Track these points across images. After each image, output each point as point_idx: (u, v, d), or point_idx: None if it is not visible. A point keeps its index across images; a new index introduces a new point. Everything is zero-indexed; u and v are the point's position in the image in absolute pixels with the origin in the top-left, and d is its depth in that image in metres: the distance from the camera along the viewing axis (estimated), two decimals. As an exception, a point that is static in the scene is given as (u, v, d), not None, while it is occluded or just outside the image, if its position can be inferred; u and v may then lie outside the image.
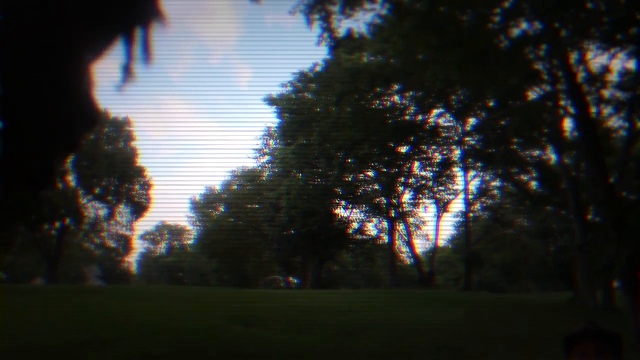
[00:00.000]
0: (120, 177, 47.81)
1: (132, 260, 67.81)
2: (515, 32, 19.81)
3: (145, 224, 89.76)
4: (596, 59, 25.14)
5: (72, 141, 1.58)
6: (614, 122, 28.44)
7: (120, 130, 48.35)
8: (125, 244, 58.60)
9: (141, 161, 49.95)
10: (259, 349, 11.05)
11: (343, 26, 22.62)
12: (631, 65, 24.47)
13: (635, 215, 18.54)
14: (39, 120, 1.48)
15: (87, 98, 1.57)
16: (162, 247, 75.52)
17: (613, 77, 26.17)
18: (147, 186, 50.77)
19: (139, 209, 51.27)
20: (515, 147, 31.94)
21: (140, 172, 49.69)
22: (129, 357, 9.73)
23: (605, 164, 18.13)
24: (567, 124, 26.82)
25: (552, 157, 30.98)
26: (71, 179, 45.38)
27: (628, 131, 24.84)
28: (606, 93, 26.33)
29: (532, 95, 24.68)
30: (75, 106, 1.50)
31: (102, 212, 51.39)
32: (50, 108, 1.50)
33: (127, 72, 1.79)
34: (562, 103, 23.61)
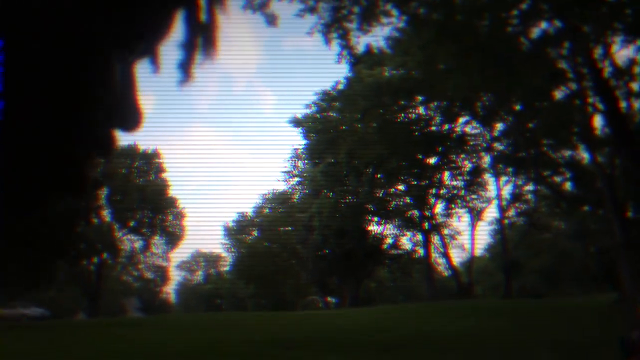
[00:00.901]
0: (153, 208, 48.47)
1: (170, 290, 68.42)
2: (535, 32, 19.62)
3: (181, 253, 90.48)
4: (621, 52, 24.63)
5: (105, 142, 1.49)
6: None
7: (150, 162, 49.11)
8: (162, 274, 59.18)
9: (172, 192, 50.68)
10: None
11: (361, 42, 22.66)
12: (658, 54, 23.95)
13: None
14: (67, 117, 1.39)
15: (129, 96, 1.46)
16: (198, 275, 76.05)
17: (640, 69, 25.67)
18: (179, 216, 51.39)
19: (173, 238, 51.84)
20: (545, 148, 31.43)
21: (172, 202, 50.34)
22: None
23: (640, 158, 17.71)
24: (597, 121, 26.34)
25: (585, 155, 30.41)
26: (105, 214, 46.11)
27: (661, 123, 24.29)
28: (635, 86, 25.80)
29: (558, 94, 24.32)
30: (113, 105, 1.40)
31: (138, 244, 52.07)
32: (81, 107, 1.40)
33: (187, 67, 1.74)
34: (590, 100, 23.21)
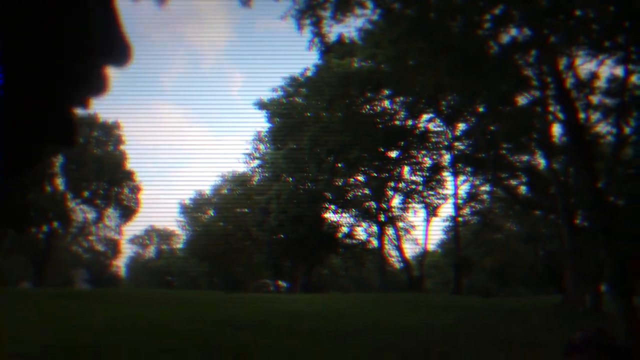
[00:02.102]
0: (109, 180, 47.61)
1: (121, 264, 67.49)
2: (505, 38, 19.97)
3: (134, 227, 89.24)
4: (584, 65, 25.31)
5: (100, 80, 1.41)
6: (602, 128, 28.71)
7: (110, 133, 48.18)
8: (113, 247, 58.28)
9: (130, 165, 49.83)
10: (251, 353, 11.04)
11: (334, 31, 22.72)
12: (618, 71, 24.75)
13: (623, 220, 18.69)
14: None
15: (115, 29, 1.39)
16: (151, 251, 75.18)
17: (601, 83, 26.47)
18: (136, 189, 50.59)
19: (127, 212, 51.05)
20: (504, 152, 32.13)
21: (129, 175, 49.51)
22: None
23: (594, 168, 18.27)
24: (556, 129, 27.06)
25: (541, 162, 31.21)
26: (59, 182, 45.10)
27: (615, 136, 25.09)
28: (594, 99, 26.60)
29: (521, 100, 24.87)
30: (101, 39, 1.34)
31: (90, 216, 51.13)
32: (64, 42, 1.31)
33: None
34: (551, 108, 23.81)
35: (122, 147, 49.22)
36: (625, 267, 15.11)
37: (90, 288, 47.53)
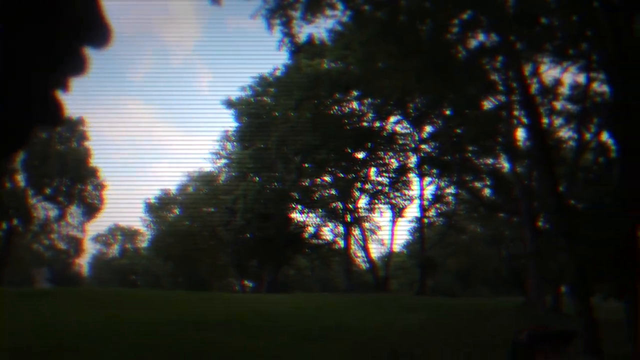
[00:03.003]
0: (72, 177, 46.71)
1: (83, 263, 66.22)
2: (473, 43, 20.30)
3: (98, 225, 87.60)
4: (549, 72, 25.93)
5: (79, 61, 1.38)
6: (564, 133, 29.41)
7: (74, 129, 47.25)
8: (76, 245, 57.17)
9: (94, 162, 48.97)
10: (215, 354, 11.00)
11: (304, 32, 22.69)
12: (581, 79, 25.40)
13: (583, 224, 19.17)
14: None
15: (94, 9, 1.37)
16: (114, 250, 73.97)
17: (564, 90, 27.13)
18: (100, 187, 49.77)
19: (91, 210, 50.17)
20: (470, 155, 32.57)
21: (93, 172, 48.65)
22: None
23: (555, 173, 18.69)
24: (520, 134, 27.58)
25: (505, 165, 31.74)
26: (20, 179, 44.10)
27: (577, 142, 25.72)
28: (557, 105, 27.24)
29: (487, 104, 25.29)
30: (80, 20, 1.31)
31: (52, 213, 50.08)
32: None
33: None
34: (516, 113, 24.26)
35: (86, 143, 48.36)
36: (584, 269, 15.51)
37: (52, 287, 46.56)
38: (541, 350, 2.33)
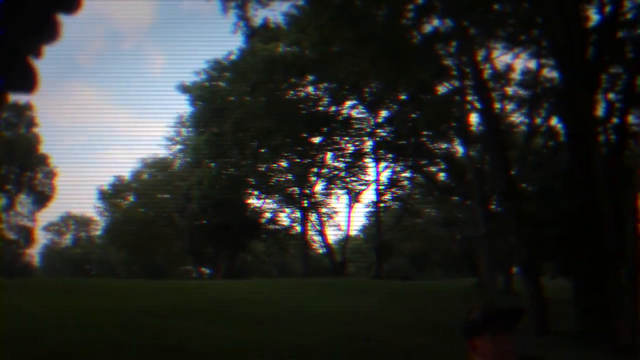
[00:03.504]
0: (21, 164, 45.37)
1: (34, 253, 64.44)
2: (427, 28, 20.50)
3: (49, 214, 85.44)
4: (501, 58, 26.39)
5: (51, 25, 1.36)
6: (516, 118, 30.07)
7: (21, 115, 45.79)
8: (26, 235, 55.60)
9: (44, 148, 47.67)
10: (174, 341, 10.90)
11: (259, 15, 22.52)
12: (532, 64, 25.97)
13: (533, 206, 19.69)
14: None
15: None
16: (67, 239, 72.24)
17: (516, 76, 27.70)
18: (50, 174, 48.52)
19: (41, 198, 48.90)
20: (424, 139, 32.95)
21: (43, 159, 47.39)
22: (34, 356, 9.26)
23: (507, 157, 19.10)
24: (473, 118, 28.05)
25: (459, 149, 32.24)
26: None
27: (528, 126, 26.35)
28: (509, 90, 27.80)
29: (441, 89, 25.62)
30: None
31: (1, 202, 48.53)
32: None
33: None
34: (469, 98, 24.67)
35: (35, 129, 46.99)
36: (533, 250, 15.97)
37: (2, 279, 45.26)
38: (492, 328, 2.38)
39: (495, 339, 2.33)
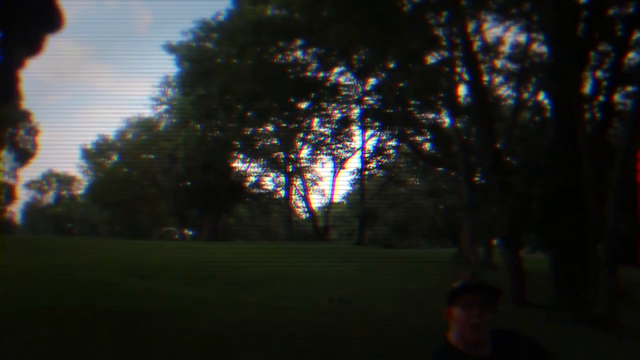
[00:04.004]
0: (2, 121, 44.64)
1: (16, 210, 63.99)
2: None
3: (31, 171, 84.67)
4: (491, 30, 26.26)
5: (35, 43, 1.37)
6: (504, 91, 30.05)
7: (3, 69, 44.93)
8: (7, 192, 55.16)
9: (26, 105, 46.91)
10: (154, 302, 10.94)
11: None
12: (522, 38, 25.86)
13: (517, 179, 19.83)
14: None
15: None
16: (49, 197, 71.73)
17: (505, 49, 27.58)
18: (33, 131, 47.90)
19: (23, 155, 48.37)
20: (412, 108, 32.86)
21: (25, 116, 46.68)
22: (14, 314, 9.23)
23: (493, 129, 19.11)
24: (461, 90, 28.00)
25: (446, 120, 32.26)
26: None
27: (515, 100, 26.34)
28: (498, 63, 27.69)
29: (430, 59, 25.46)
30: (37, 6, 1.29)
31: (-19, 159, 48.02)
32: None
33: None
34: (458, 69, 24.56)
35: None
36: (515, 222, 16.14)
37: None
38: (464, 299, 2.44)
39: (466, 311, 2.40)
